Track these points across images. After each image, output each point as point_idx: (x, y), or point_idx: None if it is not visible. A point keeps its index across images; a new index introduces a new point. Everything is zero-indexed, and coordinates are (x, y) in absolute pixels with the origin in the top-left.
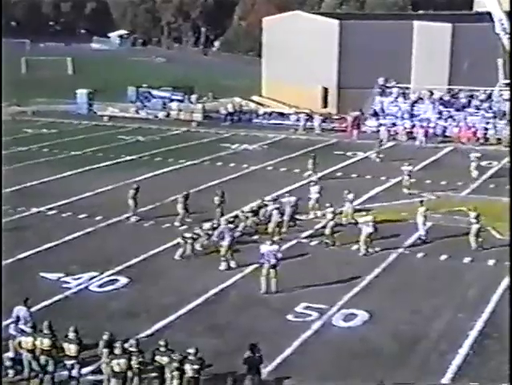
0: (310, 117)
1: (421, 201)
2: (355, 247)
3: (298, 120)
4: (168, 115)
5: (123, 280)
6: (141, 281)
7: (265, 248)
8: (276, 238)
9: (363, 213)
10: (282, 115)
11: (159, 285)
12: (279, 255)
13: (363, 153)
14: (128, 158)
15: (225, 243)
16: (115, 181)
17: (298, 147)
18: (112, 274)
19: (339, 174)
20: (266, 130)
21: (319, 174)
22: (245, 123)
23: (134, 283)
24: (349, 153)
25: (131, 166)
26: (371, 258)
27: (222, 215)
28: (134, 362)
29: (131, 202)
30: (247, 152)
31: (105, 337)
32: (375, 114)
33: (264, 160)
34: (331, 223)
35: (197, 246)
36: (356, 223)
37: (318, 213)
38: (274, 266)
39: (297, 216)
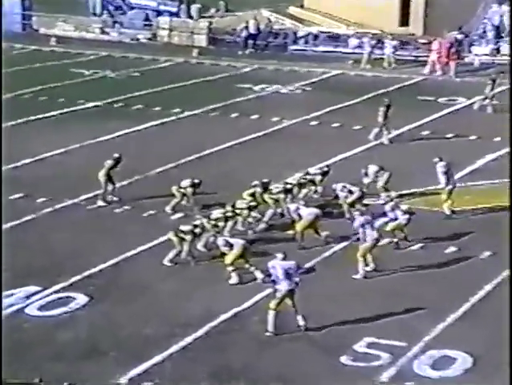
0: (379, 42)
1: None
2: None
3: (360, 47)
4: (153, 37)
5: (80, 298)
6: (108, 300)
7: (275, 263)
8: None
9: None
10: (335, 38)
11: (137, 306)
12: (296, 278)
13: (465, 99)
14: (90, 105)
15: (238, 246)
16: (68, 142)
17: (361, 89)
18: (63, 289)
19: (425, 133)
20: (309, 62)
21: (394, 132)
22: (276, 50)
23: (97, 303)
24: (442, 99)
25: (94, 118)
26: (472, 267)
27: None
28: None
29: (102, 179)
30: (279, 97)
31: None
32: (486, 35)
33: (305, 110)
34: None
35: (200, 246)
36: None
37: (392, 194)
38: (291, 291)
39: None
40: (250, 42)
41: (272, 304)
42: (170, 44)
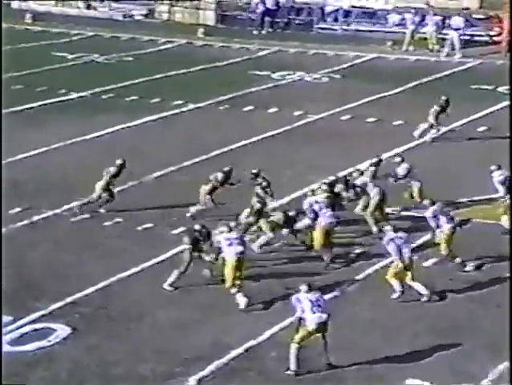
0: (424, 18)
1: None
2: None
3: (402, 24)
4: (151, 14)
5: (61, 329)
6: (96, 332)
7: (299, 296)
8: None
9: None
10: (371, 14)
11: (130, 339)
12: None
13: None
14: (75, 95)
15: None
16: (49, 139)
17: (402, 76)
18: (41, 319)
19: (480, 130)
20: (339, 43)
21: (443, 129)
22: (298, 29)
23: (82, 336)
24: (502, 88)
25: (79, 111)
26: None
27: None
28: None
29: (98, 188)
30: (302, 87)
31: None
32: None
33: (335, 102)
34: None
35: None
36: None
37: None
38: (323, 324)
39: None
40: (268, 19)
41: (297, 338)
42: (171, 22)
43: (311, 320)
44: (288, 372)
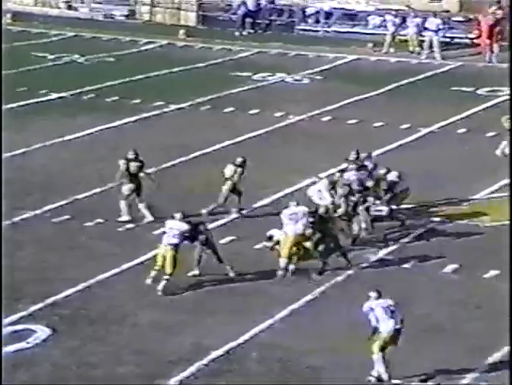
0: (405, 20)
1: None
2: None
3: (382, 26)
4: (132, 14)
5: (41, 331)
6: (76, 334)
7: (371, 304)
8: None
9: None
10: (352, 15)
11: (111, 341)
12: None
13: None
14: (55, 96)
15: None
16: (29, 140)
17: (383, 77)
18: (20, 320)
19: (461, 131)
20: (320, 45)
21: (425, 130)
22: (280, 30)
23: (62, 337)
24: (483, 90)
25: (59, 112)
26: None
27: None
28: None
29: (127, 190)
30: (283, 88)
31: None
32: None
33: (315, 104)
34: None
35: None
36: None
37: None
38: (397, 331)
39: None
40: (249, 20)
41: (375, 349)
42: (152, 23)
43: (385, 328)
44: (370, 378)
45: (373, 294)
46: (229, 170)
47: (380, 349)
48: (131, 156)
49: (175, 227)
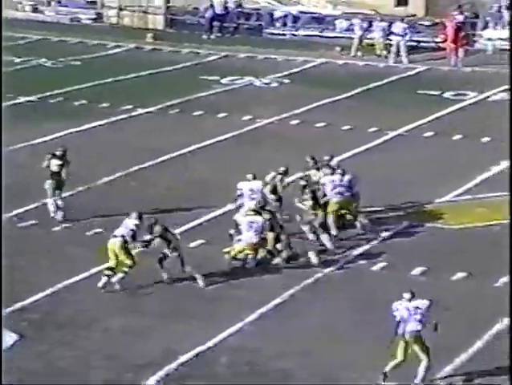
0: (372, 24)
1: None
2: None
3: (350, 30)
4: (99, 18)
5: (7, 337)
6: (44, 339)
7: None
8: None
9: None
10: (319, 19)
11: (80, 346)
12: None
13: (476, 93)
14: (22, 100)
15: None
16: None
17: (350, 81)
18: None
19: (427, 135)
20: (288, 48)
21: (392, 133)
22: (247, 34)
23: (30, 343)
24: (448, 93)
25: (26, 116)
26: None
27: None
28: None
29: (48, 185)
30: (251, 92)
31: None
32: (502, 15)
33: (284, 107)
34: None
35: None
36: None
37: None
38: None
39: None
40: (216, 24)
41: (398, 354)
42: (119, 26)
43: (406, 329)
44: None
45: (406, 295)
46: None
47: (403, 354)
48: (58, 152)
49: (128, 226)
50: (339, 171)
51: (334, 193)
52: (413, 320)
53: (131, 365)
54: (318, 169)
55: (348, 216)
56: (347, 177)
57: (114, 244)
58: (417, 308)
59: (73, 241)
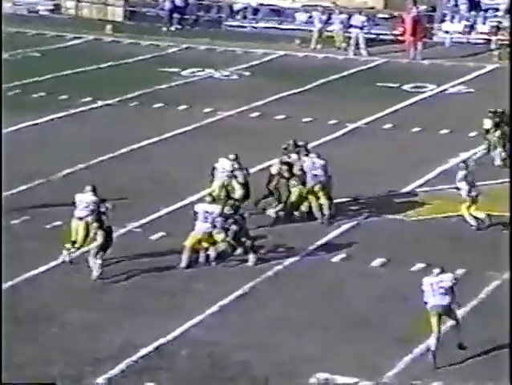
0: (331, 16)
1: None
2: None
3: (309, 23)
4: (57, 9)
5: None
6: (3, 334)
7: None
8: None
9: None
10: (279, 12)
11: (39, 340)
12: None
13: (434, 86)
14: None
15: None
16: None
17: (310, 74)
18: None
19: (386, 127)
20: (248, 40)
21: (352, 126)
22: (207, 26)
23: None
24: (407, 86)
25: None
26: None
27: None
28: None
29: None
30: (212, 84)
31: None
32: (459, 9)
33: (244, 100)
34: None
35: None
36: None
37: None
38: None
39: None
40: (176, 16)
41: (434, 327)
42: (78, 18)
43: (431, 303)
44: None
45: (435, 270)
46: (274, 168)
47: (435, 327)
48: None
49: (84, 200)
50: (313, 155)
51: (312, 176)
52: (438, 294)
53: (90, 359)
54: (297, 153)
55: (323, 200)
56: (322, 161)
57: (79, 225)
58: (439, 282)
59: (32, 235)
